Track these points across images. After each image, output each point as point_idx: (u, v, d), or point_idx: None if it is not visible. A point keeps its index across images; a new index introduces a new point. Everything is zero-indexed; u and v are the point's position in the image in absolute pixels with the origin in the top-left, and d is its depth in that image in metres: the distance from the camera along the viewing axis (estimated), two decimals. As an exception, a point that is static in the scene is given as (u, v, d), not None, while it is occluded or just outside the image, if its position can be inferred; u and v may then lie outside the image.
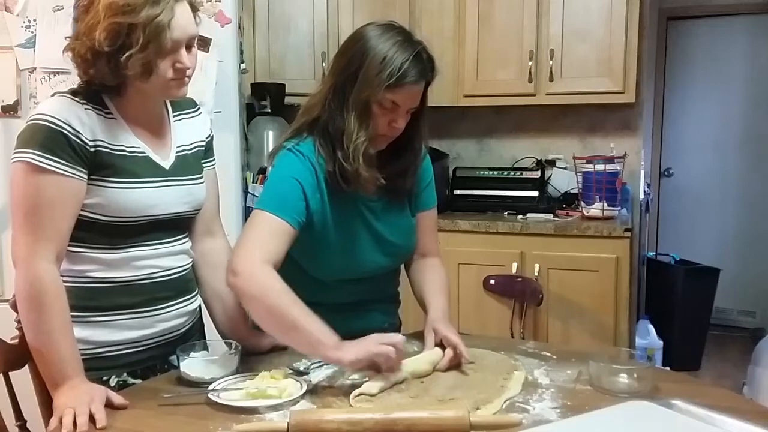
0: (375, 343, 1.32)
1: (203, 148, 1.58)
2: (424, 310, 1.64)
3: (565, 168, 3.49)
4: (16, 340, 1.40)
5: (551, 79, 3.22)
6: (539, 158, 3.55)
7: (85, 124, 1.33)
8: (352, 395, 1.27)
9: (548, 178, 3.50)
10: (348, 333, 1.36)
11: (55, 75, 2.51)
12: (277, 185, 1.51)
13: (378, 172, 1.52)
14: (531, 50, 3.22)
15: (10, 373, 1.43)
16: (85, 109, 1.34)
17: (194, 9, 1.40)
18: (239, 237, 1.46)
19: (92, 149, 1.33)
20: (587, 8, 3.16)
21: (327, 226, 1.55)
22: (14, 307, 1.35)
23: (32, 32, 2.49)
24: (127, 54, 1.28)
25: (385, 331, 1.36)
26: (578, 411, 1.21)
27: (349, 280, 1.61)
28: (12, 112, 2.52)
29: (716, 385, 1.67)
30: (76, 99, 1.35)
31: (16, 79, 2.51)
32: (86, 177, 1.33)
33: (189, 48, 1.37)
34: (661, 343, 3.80)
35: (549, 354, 1.55)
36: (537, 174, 3.41)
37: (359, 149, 1.47)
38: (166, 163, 1.46)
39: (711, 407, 1.16)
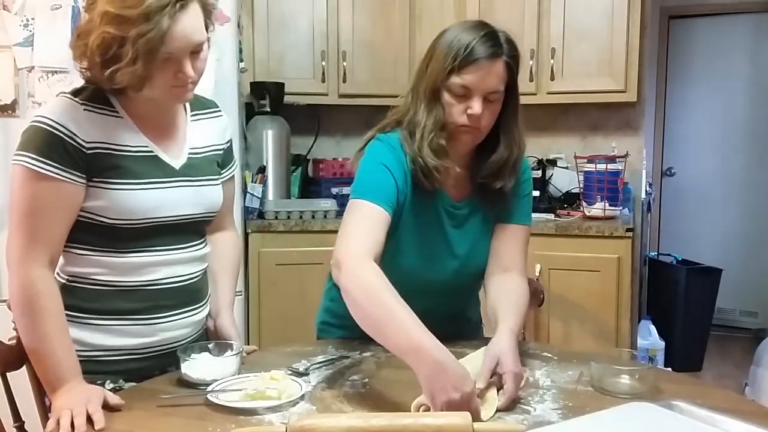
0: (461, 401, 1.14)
1: (220, 153, 1.53)
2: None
3: (567, 167, 3.48)
4: (14, 341, 1.39)
5: (552, 78, 3.21)
6: (540, 158, 3.53)
7: (82, 126, 1.30)
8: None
9: (549, 178, 3.49)
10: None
11: (53, 74, 2.50)
12: (368, 173, 1.47)
13: (450, 163, 1.46)
14: (532, 49, 3.21)
15: (7, 373, 1.41)
16: (84, 110, 1.31)
17: (207, 12, 1.33)
18: (340, 228, 1.40)
19: (89, 152, 1.30)
20: (588, 7, 3.16)
21: (408, 225, 1.49)
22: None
23: (30, 31, 2.48)
24: (115, 68, 1.24)
25: None
26: (579, 412, 1.20)
27: (414, 291, 1.33)
28: (10, 112, 2.51)
29: (718, 386, 1.67)
30: (76, 99, 1.32)
31: (13, 78, 2.50)
32: (84, 181, 1.30)
33: (197, 53, 1.32)
34: (662, 343, 3.79)
35: (550, 355, 1.54)
36: (538, 173, 3.40)
37: (426, 138, 1.44)
38: (177, 163, 1.41)
39: (713, 408, 1.15)
